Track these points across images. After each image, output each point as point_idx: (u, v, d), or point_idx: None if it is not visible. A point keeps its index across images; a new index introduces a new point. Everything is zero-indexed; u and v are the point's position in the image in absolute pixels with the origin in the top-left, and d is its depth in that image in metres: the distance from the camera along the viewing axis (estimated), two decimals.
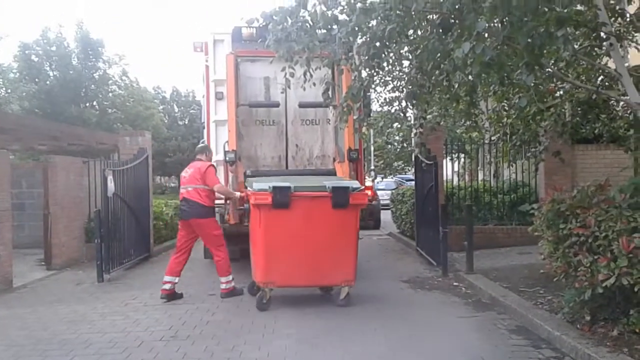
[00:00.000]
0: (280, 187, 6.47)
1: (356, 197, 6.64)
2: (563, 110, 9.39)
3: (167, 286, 7.42)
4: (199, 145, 8.68)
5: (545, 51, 5.59)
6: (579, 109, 9.88)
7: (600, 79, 8.43)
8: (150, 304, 7.20)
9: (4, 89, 29.60)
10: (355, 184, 6.93)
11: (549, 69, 6.54)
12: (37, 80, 28.19)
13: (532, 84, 5.86)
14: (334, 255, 6.65)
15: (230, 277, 7.44)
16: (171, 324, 6.21)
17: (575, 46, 6.61)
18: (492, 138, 12.86)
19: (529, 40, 4.69)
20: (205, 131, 9.75)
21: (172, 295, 7.39)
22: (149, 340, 5.59)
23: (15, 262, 8.99)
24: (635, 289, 4.55)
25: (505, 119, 10.37)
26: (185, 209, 7.47)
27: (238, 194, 7.47)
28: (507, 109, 10.27)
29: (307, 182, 7.00)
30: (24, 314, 6.84)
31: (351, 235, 6.77)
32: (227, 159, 8.01)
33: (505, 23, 4.96)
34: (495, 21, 5.25)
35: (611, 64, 7.17)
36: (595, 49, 7.07)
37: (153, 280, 8.95)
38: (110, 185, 9.06)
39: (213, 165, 7.74)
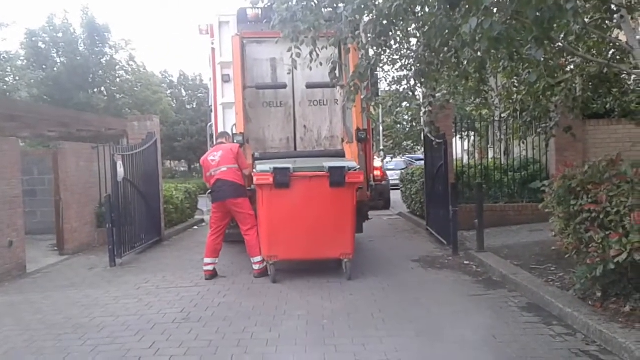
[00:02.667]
0: (280, 168, 6.95)
1: (352, 176, 7.00)
2: (574, 85, 9.27)
3: (210, 267, 7.69)
4: (219, 132, 8.84)
5: (554, 25, 5.49)
6: (590, 83, 9.75)
7: (611, 52, 8.30)
8: (163, 287, 7.26)
9: (12, 76, 29.66)
10: (351, 163, 7.22)
11: (559, 43, 6.44)
12: (44, 67, 28.23)
13: (542, 59, 5.78)
14: (332, 231, 7.07)
15: (261, 258, 7.49)
16: (183, 306, 6.25)
17: (586, 19, 6.50)
18: (502, 115, 12.73)
19: (538, 13, 4.59)
20: (213, 114, 9.74)
21: (214, 275, 7.66)
22: (162, 323, 5.64)
23: (29, 247, 9.07)
24: None
25: (515, 95, 10.26)
26: (221, 190, 7.59)
27: None
28: (517, 85, 10.16)
29: (306, 163, 7.34)
30: (38, 299, 6.91)
31: (348, 212, 7.12)
32: (235, 141, 8.03)
33: None
34: None
35: (622, 37, 7.05)
36: (606, 21, 6.93)
37: (165, 263, 9.03)
38: (120, 170, 9.09)
39: (240, 146, 7.91)
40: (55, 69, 28.21)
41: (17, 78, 29.34)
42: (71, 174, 10.29)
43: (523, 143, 11.49)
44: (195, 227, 14.16)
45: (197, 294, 6.83)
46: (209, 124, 10.88)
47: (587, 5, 6.65)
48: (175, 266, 8.74)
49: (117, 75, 31.62)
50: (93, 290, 7.27)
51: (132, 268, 8.71)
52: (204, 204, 14.63)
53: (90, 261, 9.44)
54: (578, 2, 4.95)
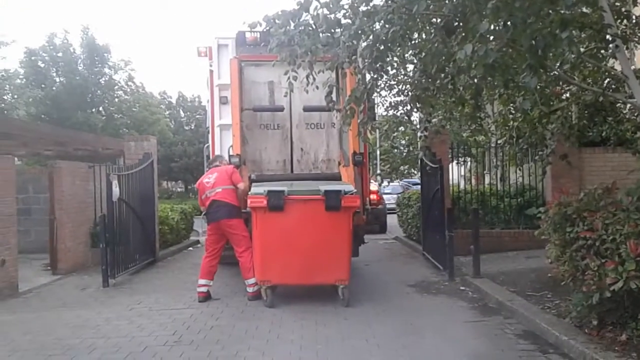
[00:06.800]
0: (274, 191, 6.84)
1: (348, 200, 6.89)
2: (570, 113, 9.34)
3: (203, 289, 7.61)
4: (215, 155, 8.94)
5: (550, 53, 5.54)
6: (585, 111, 9.82)
7: (606, 81, 8.38)
8: (155, 309, 7.18)
9: (10, 94, 29.80)
10: (347, 187, 7.13)
11: (554, 72, 6.49)
12: (43, 86, 28.40)
13: (537, 87, 5.81)
14: (327, 256, 6.92)
15: (255, 280, 7.38)
16: (175, 328, 6.18)
17: (581, 48, 6.56)
18: (499, 141, 12.80)
19: (533, 42, 4.64)
20: (210, 136, 9.76)
21: (208, 297, 7.58)
22: (153, 345, 5.57)
23: (21, 267, 8.99)
24: None
25: (512, 122, 10.33)
26: (215, 211, 7.57)
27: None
28: (513, 112, 10.23)
29: (301, 186, 7.26)
30: (29, 318, 6.83)
31: (344, 237, 7.00)
32: (232, 162, 8.04)
33: (508, 25, 4.91)
34: (499, 23, 5.21)
35: (617, 66, 7.12)
36: (601, 50, 7.00)
37: (158, 285, 8.96)
38: (115, 190, 9.06)
39: (237, 168, 7.92)
40: (54, 88, 28.39)
41: (16, 96, 29.46)
42: (66, 193, 10.25)
43: (519, 169, 11.51)
44: (190, 249, 14.07)
45: (189, 316, 6.75)
46: (206, 145, 10.91)
47: (583, 35, 6.72)
48: (169, 288, 8.66)
49: (115, 95, 31.86)
50: (85, 310, 7.19)
51: (125, 289, 8.64)
52: (200, 225, 14.57)
53: (84, 281, 9.35)
54: (573, 31, 4.99)
